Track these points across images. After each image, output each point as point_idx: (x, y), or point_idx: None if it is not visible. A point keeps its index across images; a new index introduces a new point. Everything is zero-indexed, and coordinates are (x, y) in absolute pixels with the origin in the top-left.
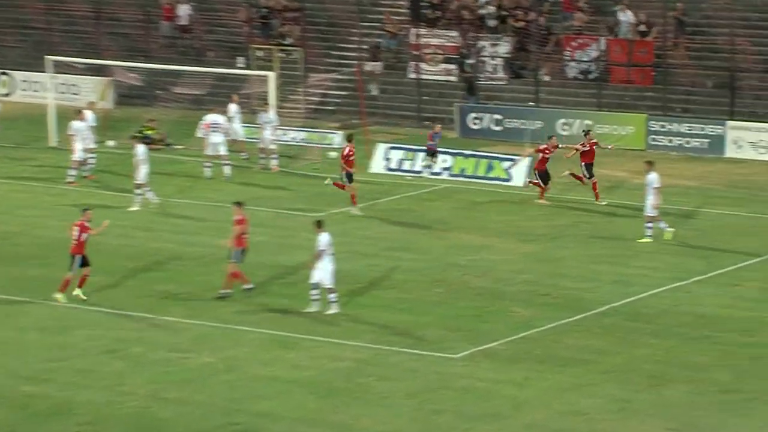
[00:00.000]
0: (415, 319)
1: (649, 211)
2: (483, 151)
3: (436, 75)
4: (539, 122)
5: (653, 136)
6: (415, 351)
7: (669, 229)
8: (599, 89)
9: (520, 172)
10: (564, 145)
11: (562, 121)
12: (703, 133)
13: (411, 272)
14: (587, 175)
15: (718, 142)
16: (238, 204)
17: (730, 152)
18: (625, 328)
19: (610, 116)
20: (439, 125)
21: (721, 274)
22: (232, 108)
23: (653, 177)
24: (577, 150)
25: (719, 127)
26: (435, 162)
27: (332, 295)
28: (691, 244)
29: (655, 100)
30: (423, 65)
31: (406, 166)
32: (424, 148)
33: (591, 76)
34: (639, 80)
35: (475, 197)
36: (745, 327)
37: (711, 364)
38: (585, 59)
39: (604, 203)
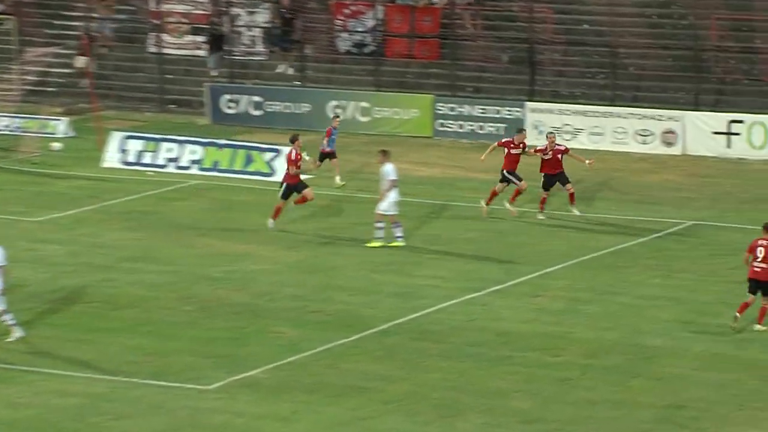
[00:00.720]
0: (160, 344)
1: (383, 208)
2: (240, 141)
3: (182, 49)
4: (306, 105)
5: (441, 121)
6: (161, 383)
7: (400, 240)
8: (377, 65)
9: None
10: (532, 149)
11: (334, 103)
12: (499, 116)
13: (154, 287)
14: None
15: (516, 128)
16: None
17: (531, 138)
18: (411, 349)
19: (390, 97)
20: (338, 117)
21: (522, 282)
22: None
23: (389, 169)
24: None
25: (517, 109)
26: (317, 166)
27: (8, 317)
28: (487, 248)
29: (442, 78)
30: (166, 37)
31: (147, 158)
32: (219, 142)
33: (366, 50)
34: (423, 54)
35: (232, 195)
36: (548, 345)
37: (511, 389)
38: (359, 30)
39: (541, 217)
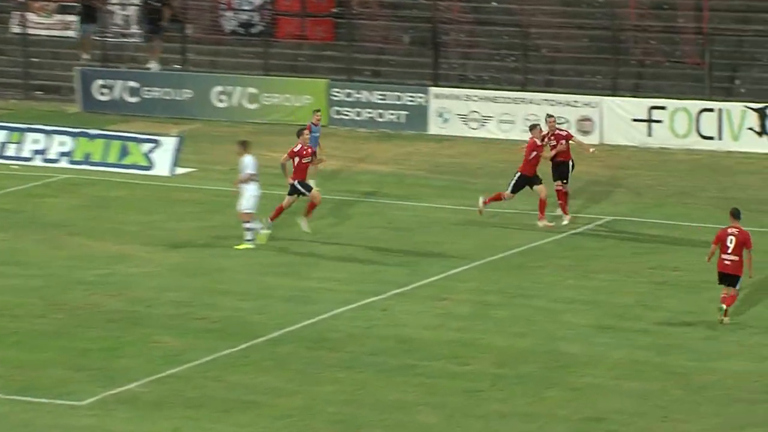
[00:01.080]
0: (27, 356)
1: (245, 206)
2: (115, 131)
3: (50, 29)
4: (188, 91)
5: (337, 108)
6: (28, 398)
7: (264, 231)
8: (265, 47)
9: (164, 158)
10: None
11: (219, 89)
12: (400, 103)
13: (21, 293)
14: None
15: (419, 115)
16: None
17: (435, 127)
18: (305, 358)
19: (280, 82)
20: (318, 112)
21: (426, 285)
22: None
23: (248, 161)
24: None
25: (420, 95)
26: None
27: None
28: (388, 248)
29: (338, 62)
30: (31, 16)
31: (11, 151)
32: (91, 131)
33: (254, 31)
34: (316, 35)
35: (107, 191)
36: (455, 353)
37: (414, 402)
38: (246, 8)
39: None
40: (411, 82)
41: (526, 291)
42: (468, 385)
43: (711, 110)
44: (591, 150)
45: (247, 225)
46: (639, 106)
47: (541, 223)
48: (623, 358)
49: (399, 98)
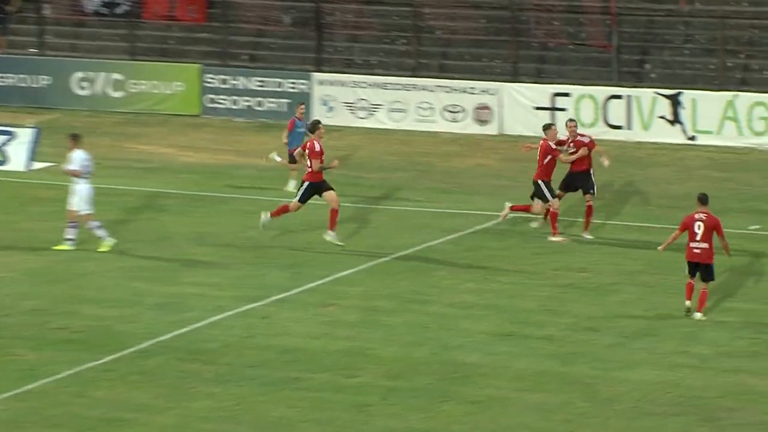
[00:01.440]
0: None
1: (76, 205)
2: None
3: None
4: (46, 77)
5: (211, 96)
6: None
7: (109, 240)
8: (131, 29)
9: (19, 152)
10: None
11: (80, 75)
12: (280, 90)
13: None
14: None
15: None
16: None
17: (319, 117)
18: (177, 371)
19: (148, 68)
20: (302, 105)
21: (310, 290)
22: None
23: (75, 156)
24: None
25: (302, 81)
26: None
27: None
28: (268, 249)
29: (211, 45)
30: None
31: None
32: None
33: (119, 11)
34: (188, 16)
35: None
36: (343, 364)
37: (298, 418)
38: None
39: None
40: (292, 68)
41: (420, 296)
42: (357, 399)
43: (619, 97)
44: (606, 163)
45: (91, 226)
46: (541, 92)
47: (555, 238)
48: (526, 368)
49: (279, 85)
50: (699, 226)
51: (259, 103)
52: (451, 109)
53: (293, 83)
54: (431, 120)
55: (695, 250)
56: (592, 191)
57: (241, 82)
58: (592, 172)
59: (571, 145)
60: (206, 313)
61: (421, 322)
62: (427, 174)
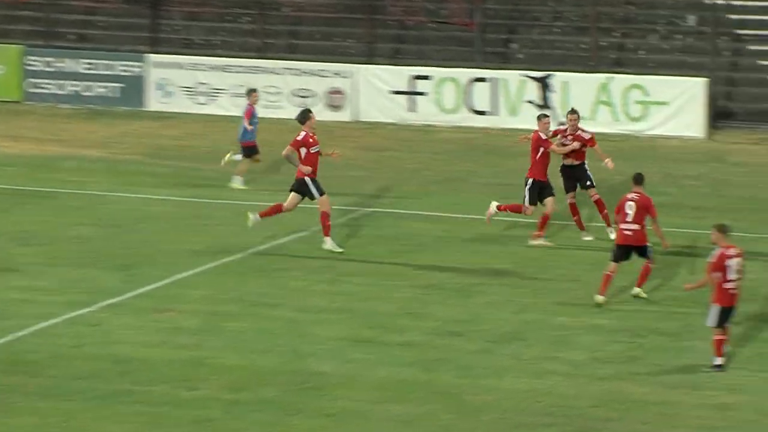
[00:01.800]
0: None
1: None
2: None
3: None
4: None
5: (34, 80)
6: None
7: None
8: None
9: None
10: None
11: None
12: (112, 73)
13: None
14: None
15: (134, 88)
16: None
17: (154, 103)
18: None
19: None
20: (255, 92)
21: (147, 293)
22: None
23: None
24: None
25: (136, 63)
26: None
27: None
28: (100, 248)
29: (34, 23)
30: None
31: None
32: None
33: None
34: None
35: None
36: (182, 375)
37: None
38: None
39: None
40: (125, 49)
41: (267, 299)
42: (197, 413)
43: (483, 80)
44: (611, 166)
45: None
46: (399, 75)
47: (535, 242)
48: (385, 377)
49: (110, 68)
50: (630, 206)
51: (88, 88)
52: (300, 93)
53: (126, 66)
54: (278, 105)
55: (626, 232)
56: (592, 184)
57: (67, 64)
58: (587, 164)
59: (570, 138)
60: (30, 321)
61: (268, 328)
62: (274, 165)
